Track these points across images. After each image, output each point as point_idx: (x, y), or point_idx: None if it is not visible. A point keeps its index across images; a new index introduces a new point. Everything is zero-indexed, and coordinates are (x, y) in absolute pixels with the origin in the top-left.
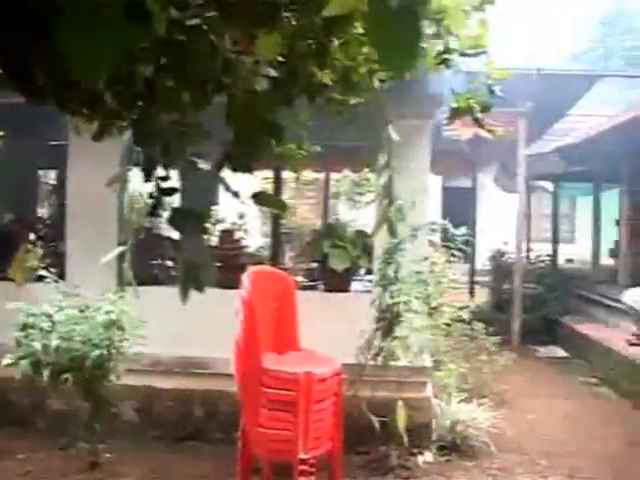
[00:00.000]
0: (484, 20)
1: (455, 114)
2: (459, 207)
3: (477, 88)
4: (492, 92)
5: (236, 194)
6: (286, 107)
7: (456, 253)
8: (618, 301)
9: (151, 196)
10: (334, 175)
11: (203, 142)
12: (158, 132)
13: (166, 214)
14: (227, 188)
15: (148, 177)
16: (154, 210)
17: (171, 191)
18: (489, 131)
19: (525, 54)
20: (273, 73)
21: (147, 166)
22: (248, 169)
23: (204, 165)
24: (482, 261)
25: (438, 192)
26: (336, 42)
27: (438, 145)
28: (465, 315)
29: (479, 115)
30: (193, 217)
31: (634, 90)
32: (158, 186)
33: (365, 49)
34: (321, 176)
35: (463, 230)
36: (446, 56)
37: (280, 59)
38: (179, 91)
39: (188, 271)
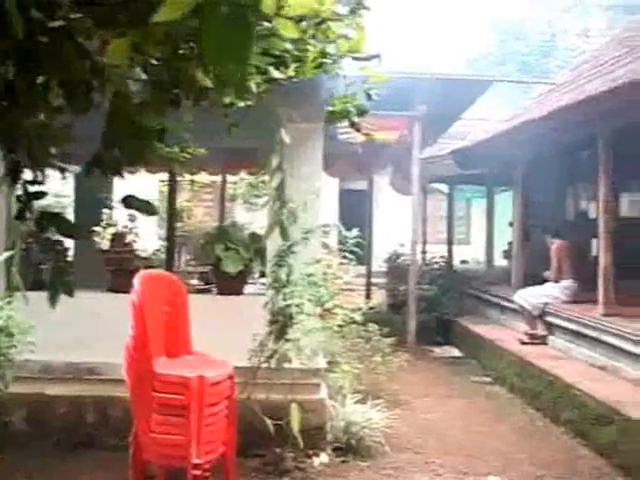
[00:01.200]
0: (361, 24)
1: (332, 118)
2: (356, 209)
3: (356, 92)
4: (369, 97)
5: (107, 198)
6: (172, 110)
7: (348, 255)
8: (511, 301)
9: (19, 199)
10: (232, 178)
11: (71, 144)
12: (22, 135)
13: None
14: (103, 194)
15: (14, 180)
16: (21, 214)
17: (39, 195)
18: (366, 135)
19: (421, 59)
20: (144, 76)
21: (11, 169)
22: (118, 172)
23: (72, 168)
24: (379, 263)
25: (335, 194)
26: None
27: (334, 148)
28: (358, 317)
29: (365, 119)
30: (60, 220)
31: (527, 95)
32: (25, 189)
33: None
34: (218, 178)
35: (355, 232)
36: (323, 60)
37: (159, 62)
38: (42, 93)
39: (56, 275)
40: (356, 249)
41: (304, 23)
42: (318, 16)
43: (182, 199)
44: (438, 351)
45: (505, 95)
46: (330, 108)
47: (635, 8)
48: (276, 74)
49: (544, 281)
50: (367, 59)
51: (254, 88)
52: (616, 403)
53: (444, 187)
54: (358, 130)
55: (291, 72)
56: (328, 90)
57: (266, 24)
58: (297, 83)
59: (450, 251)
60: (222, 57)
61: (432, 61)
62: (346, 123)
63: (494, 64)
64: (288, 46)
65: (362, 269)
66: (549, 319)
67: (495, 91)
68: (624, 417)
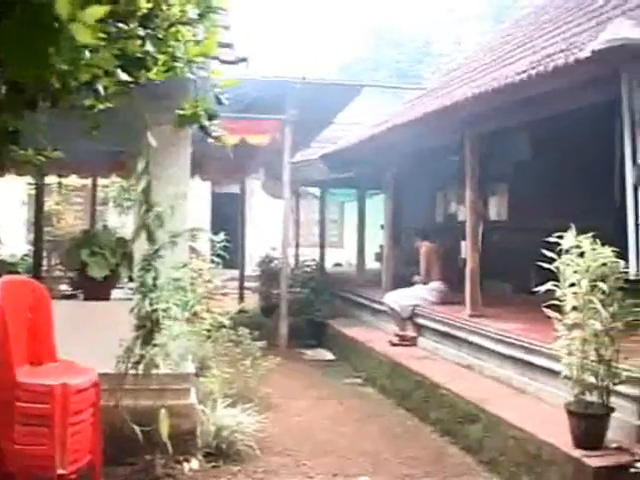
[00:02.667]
0: (212, 29)
1: (182, 121)
2: (229, 213)
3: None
4: (219, 101)
5: None
6: (30, 111)
7: (216, 259)
8: (381, 303)
9: None
10: (104, 181)
11: None
12: None
13: None
14: None
15: None
16: None
17: None
18: (215, 139)
19: (296, 63)
20: None
21: None
22: None
23: None
24: (252, 266)
25: (208, 198)
26: None
27: (206, 151)
28: (226, 321)
29: (239, 122)
30: None
31: (399, 100)
32: None
33: (87, 54)
34: (89, 182)
35: (222, 236)
36: (174, 64)
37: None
38: None
39: None
40: (223, 253)
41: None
42: (168, 19)
43: (52, 202)
44: (310, 354)
45: (380, 100)
46: (180, 112)
47: (505, 18)
48: (123, 77)
49: (414, 283)
50: (234, 62)
51: (102, 91)
52: (481, 401)
53: (317, 190)
54: (208, 134)
55: (143, 75)
56: (196, 93)
57: (122, 26)
58: (163, 85)
59: (322, 254)
60: (21, 61)
61: (307, 65)
62: (217, 126)
63: (369, 69)
64: (150, 48)
65: (236, 273)
66: (419, 320)
67: (370, 96)
68: (489, 414)
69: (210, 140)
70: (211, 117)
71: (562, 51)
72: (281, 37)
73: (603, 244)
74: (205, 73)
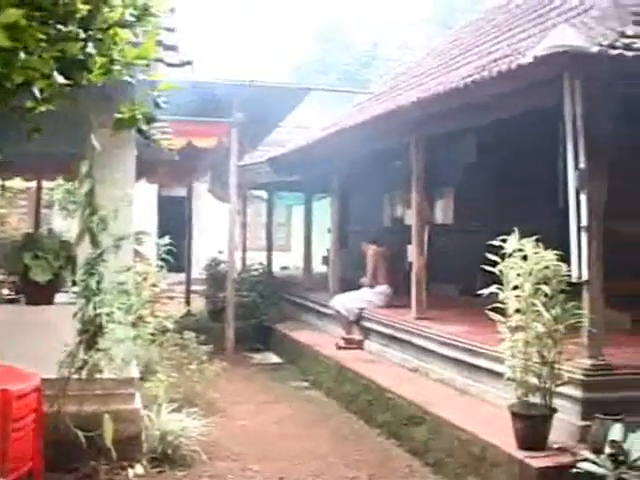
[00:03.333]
0: (150, 32)
1: (120, 125)
2: (176, 216)
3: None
4: (157, 104)
5: None
6: None
7: (162, 263)
8: (328, 307)
9: None
10: (49, 183)
11: None
12: None
13: None
14: None
15: None
16: None
17: None
18: (154, 141)
19: (245, 66)
20: None
21: None
22: None
23: None
24: (199, 270)
25: (154, 201)
26: None
27: (152, 154)
28: (171, 325)
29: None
30: None
31: (347, 104)
32: None
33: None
34: (33, 184)
35: (167, 240)
36: (113, 67)
37: None
38: None
39: None
40: (168, 256)
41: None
42: (106, 21)
43: None
44: (258, 357)
45: (328, 103)
46: (118, 115)
47: (453, 23)
48: (60, 79)
49: (361, 286)
50: (180, 65)
51: (37, 93)
52: (426, 403)
53: (265, 194)
54: (147, 138)
55: (84, 77)
56: (133, 96)
57: (61, 27)
58: (108, 88)
59: (269, 257)
60: None
61: (257, 68)
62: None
63: (317, 72)
64: (92, 51)
65: (183, 276)
66: (365, 324)
67: (318, 99)
68: (433, 416)
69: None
70: (149, 121)
71: (506, 56)
72: (231, 40)
73: (547, 247)
74: (144, 76)
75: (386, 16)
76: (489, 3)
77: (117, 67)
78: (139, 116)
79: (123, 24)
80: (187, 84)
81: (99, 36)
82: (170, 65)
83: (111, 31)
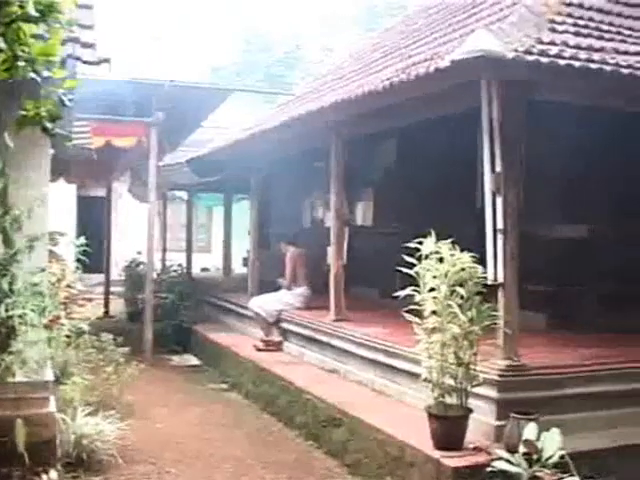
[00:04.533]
0: (55, 29)
1: (24, 122)
2: (96, 217)
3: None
4: (63, 102)
5: None
6: None
7: (78, 264)
8: (247, 308)
9: None
10: None
11: None
12: None
13: None
14: None
15: None
16: None
17: None
18: (64, 139)
19: (166, 66)
20: None
21: None
22: None
23: None
24: (119, 271)
25: (73, 201)
26: None
27: (69, 153)
28: (86, 326)
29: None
30: None
31: (269, 105)
32: None
33: None
34: None
35: (83, 240)
36: (18, 63)
37: None
38: None
39: None
40: (85, 257)
41: None
42: (9, 15)
43: None
44: (176, 360)
45: (249, 104)
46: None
47: (376, 26)
48: None
49: (280, 288)
50: (96, 63)
51: None
52: (344, 405)
53: (185, 194)
54: (52, 136)
55: None
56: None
57: None
58: (18, 84)
59: (189, 258)
60: None
61: (180, 67)
62: (82, 128)
63: (240, 73)
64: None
65: (102, 277)
66: (284, 325)
67: (241, 100)
68: (352, 418)
69: (75, 142)
70: (54, 118)
71: (426, 60)
72: (151, 40)
73: (464, 250)
74: (48, 73)
75: (309, 18)
76: (411, 8)
77: (21, 63)
78: (44, 113)
79: (27, 19)
80: (105, 82)
81: (1, 30)
82: (87, 63)
83: (14, 25)
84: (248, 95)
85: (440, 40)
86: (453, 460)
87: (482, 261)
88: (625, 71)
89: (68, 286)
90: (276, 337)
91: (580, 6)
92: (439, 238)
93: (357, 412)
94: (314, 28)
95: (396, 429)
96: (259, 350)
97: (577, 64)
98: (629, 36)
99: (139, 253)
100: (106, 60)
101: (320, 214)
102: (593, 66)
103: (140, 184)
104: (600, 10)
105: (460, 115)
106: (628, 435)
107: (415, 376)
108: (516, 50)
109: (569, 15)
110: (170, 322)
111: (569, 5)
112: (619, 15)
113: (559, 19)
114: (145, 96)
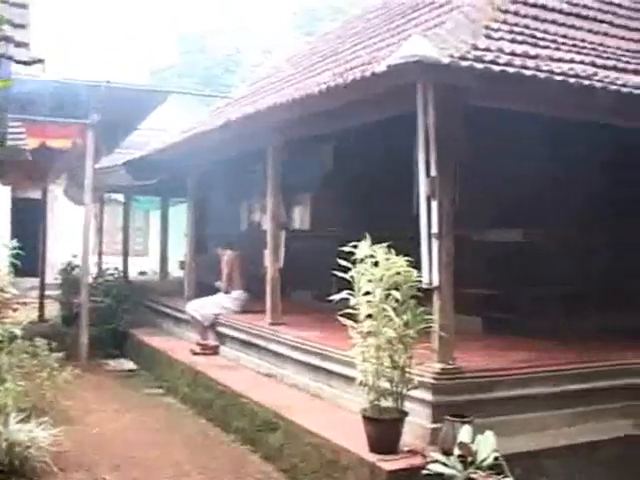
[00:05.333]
0: None
1: None
2: (31, 219)
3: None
4: None
5: None
6: None
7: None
8: (184, 312)
9: None
10: None
11: None
12: None
13: None
14: None
15: None
16: None
17: None
18: None
19: (104, 67)
20: None
21: None
22: None
23: None
24: (54, 275)
25: (7, 204)
26: None
27: (4, 154)
28: (19, 331)
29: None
30: None
31: (208, 108)
32: None
33: None
34: None
35: (15, 242)
36: None
37: None
38: None
39: None
40: (17, 260)
41: None
42: None
43: None
44: (112, 364)
45: (190, 107)
46: None
47: (316, 30)
48: None
49: (217, 291)
50: (29, 63)
51: None
52: (280, 408)
53: (122, 197)
54: None
55: None
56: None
57: None
58: None
59: (126, 262)
60: None
61: (118, 69)
62: (16, 129)
63: (179, 75)
64: None
65: (37, 281)
66: (221, 329)
67: (179, 103)
68: (288, 422)
69: (9, 142)
70: None
71: (363, 65)
72: (89, 42)
73: (401, 254)
74: None
75: (249, 22)
76: (350, 13)
77: None
78: None
79: None
80: (41, 82)
81: None
82: (19, 62)
83: None
84: (186, 98)
85: (378, 45)
86: (388, 463)
87: (418, 265)
88: (558, 78)
89: (0, 290)
90: (212, 341)
91: (516, 14)
92: (377, 242)
93: (293, 416)
94: (254, 31)
95: (331, 433)
96: (195, 354)
97: (511, 70)
98: (563, 44)
99: (75, 256)
100: (40, 60)
101: (258, 217)
102: (527, 73)
103: (76, 186)
104: (535, 18)
105: (398, 119)
106: (560, 436)
107: (351, 380)
108: (451, 56)
109: (505, 22)
110: (106, 326)
111: (505, 12)
112: (554, 23)
113: (495, 26)
114: (82, 97)
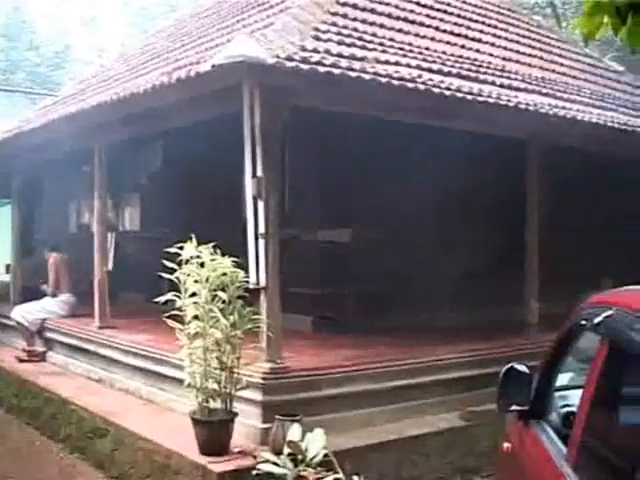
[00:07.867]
0: None
1: None
2: None
3: None
4: None
5: None
6: None
7: None
8: (9, 318)
9: None
10: None
11: None
12: None
13: None
14: None
15: None
16: None
17: None
18: None
19: None
20: None
21: None
22: None
23: None
24: None
25: None
26: None
27: None
28: None
29: None
30: None
31: (35, 105)
32: None
33: None
34: None
35: None
36: None
37: None
38: None
39: None
40: None
41: None
42: None
43: None
44: None
45: (16, 105)
46: None
47: (150, 28)
48: None
49: (44, 296)
50: None
51: None
52: (109, 414)
53: None
54: None
55: None
56: None
57: None
58: None
59: None
60: None
61: None
62: None
63: (4, 72)
64: None
65: None
66: (48, 335)
67: (3, 101)
68: (117, 427)
69: None
70: None
71: (191, 64)
72: None
73: (231, 255)
74: None
75: (79, 18)
76: (183, 11)
77: None
78: None
79: None
80: None
81: None
82: None
83: None
84: (11, 95)
85: (207, 45)
86: (218, 465)
87: (245, 265)
88: (383, 80)
89: None
90: (39, 347)
91: (345, 16)
92: (207, 243)
93: (123, 421)
94: (84, 28)
95: (162, 437)
96: (22, 361)
97: (337, 72)
98: (390, 47)
99: None
100: None
101: (86, 219)
102: (352, 74)
103: None
104: (364, 21)
105: (227, 119)
106: (385, 432)
107: (182, 382)
108: (277, 56)
109: (334, 24)
110: None
111: (334, 15)
112: (382, 26)
113: (324, 28)
114: None
